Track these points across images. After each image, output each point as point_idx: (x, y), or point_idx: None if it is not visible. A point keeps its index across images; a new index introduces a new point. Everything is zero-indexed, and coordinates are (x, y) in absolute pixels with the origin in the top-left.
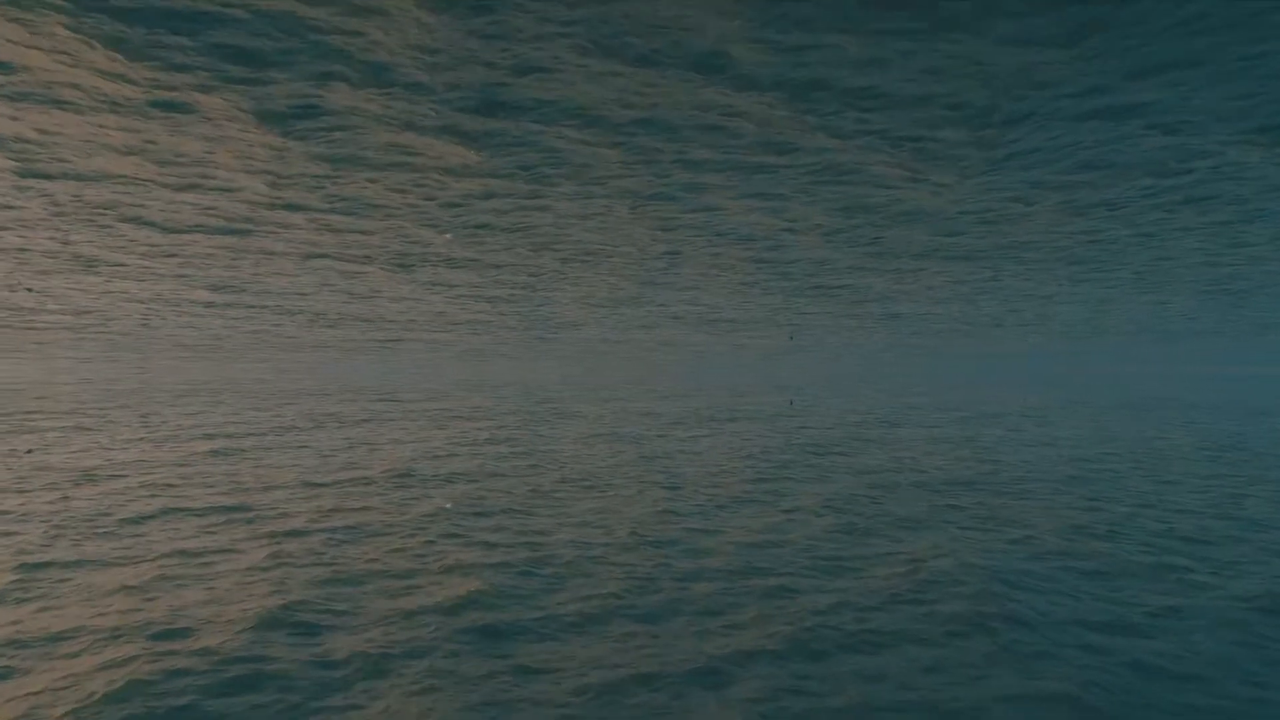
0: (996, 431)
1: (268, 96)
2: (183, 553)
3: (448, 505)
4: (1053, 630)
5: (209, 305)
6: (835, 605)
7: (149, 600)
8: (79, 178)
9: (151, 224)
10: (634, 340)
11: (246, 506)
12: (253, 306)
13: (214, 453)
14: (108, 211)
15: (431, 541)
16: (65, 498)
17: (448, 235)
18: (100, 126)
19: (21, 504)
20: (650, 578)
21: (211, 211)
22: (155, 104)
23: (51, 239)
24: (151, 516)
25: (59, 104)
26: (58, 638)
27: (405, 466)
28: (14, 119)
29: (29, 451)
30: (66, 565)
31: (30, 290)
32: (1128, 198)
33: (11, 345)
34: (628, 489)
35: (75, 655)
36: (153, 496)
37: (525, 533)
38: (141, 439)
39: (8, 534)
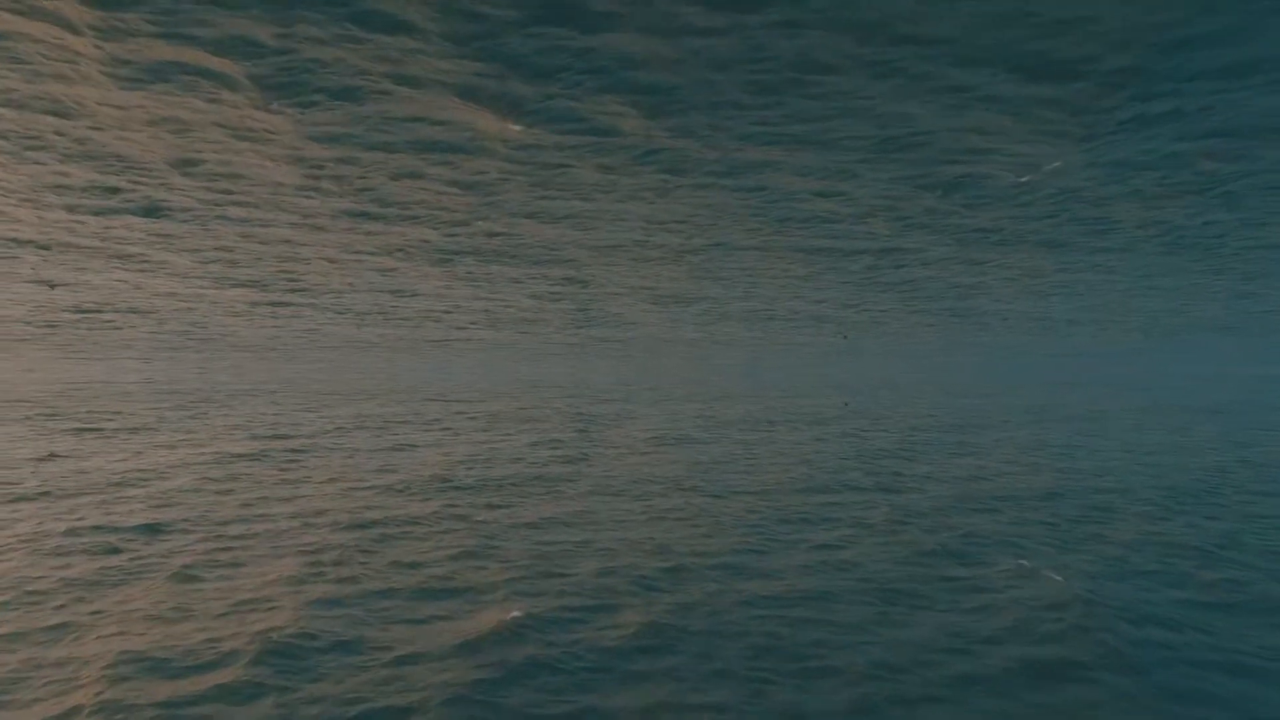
0: (1074, 436)
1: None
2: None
3: (481, 518)
4: (1186, 674)
5: (280, 305)
6: (914, 645)
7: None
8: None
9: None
10: (687, 339)
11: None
12: (317, 307)
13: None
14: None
15: (445, 533)
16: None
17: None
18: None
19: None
20: (696, 605)
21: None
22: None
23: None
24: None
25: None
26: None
27: (445, 472)
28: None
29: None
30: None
31: (52, 287)
32: (1247, 174)
33: (82, 347)
34: (673, 499)
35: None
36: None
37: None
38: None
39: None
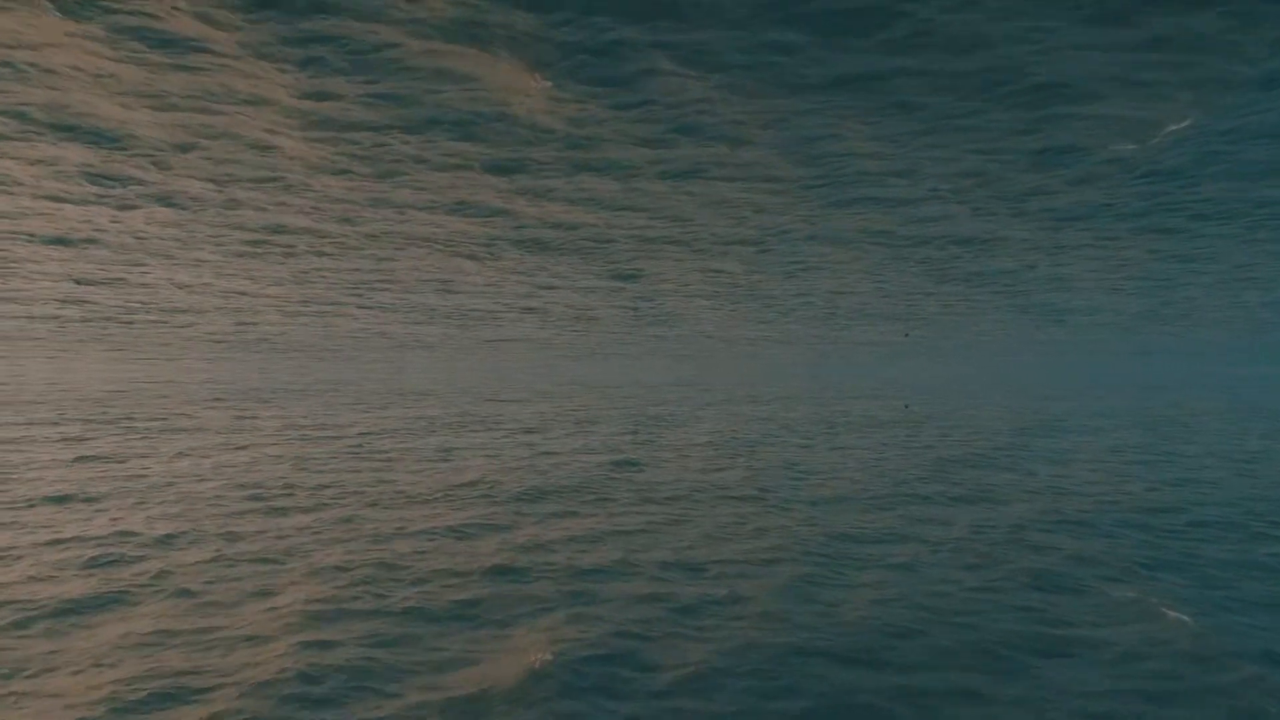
0: (1158, 441)
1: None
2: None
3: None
4: None
5: (353, 306)
6: (1014, 705)
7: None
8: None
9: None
10: (744, 338)
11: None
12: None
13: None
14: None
15: (480, 550)
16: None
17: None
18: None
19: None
20: (748, 645)
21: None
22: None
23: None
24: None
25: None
26: None
27: (487, 478)
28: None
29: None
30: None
31: (77, 283)
32: None
33: (147, 348)
34: (726, 511)
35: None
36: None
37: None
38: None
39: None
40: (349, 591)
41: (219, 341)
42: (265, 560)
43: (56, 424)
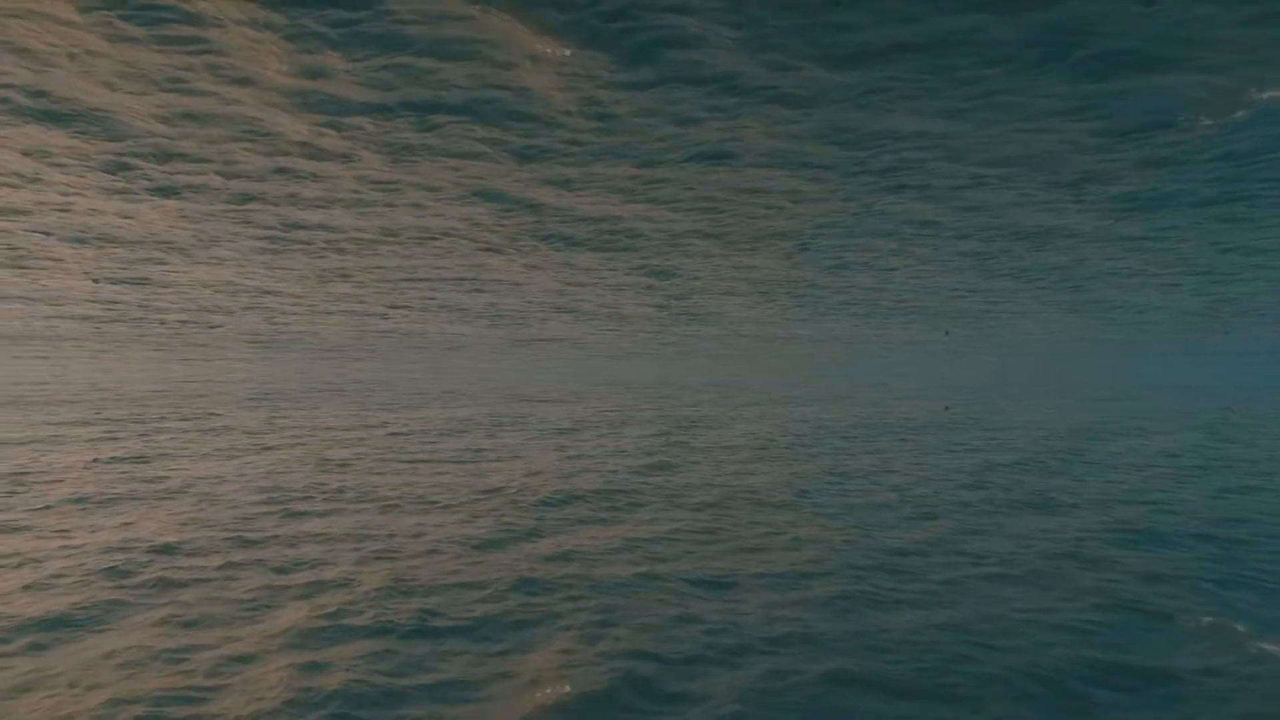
0: (1219, 445)
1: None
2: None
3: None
4: None
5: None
6: None
7: None
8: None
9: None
10: (784, 336)
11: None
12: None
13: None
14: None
15: (500, 563)
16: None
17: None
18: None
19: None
20: (788, 674)
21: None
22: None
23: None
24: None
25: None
26: None
27: (516, 483)
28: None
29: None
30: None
31: (95, 282)
32: None
33: (189, 349)
34: (762, 521)
35: None
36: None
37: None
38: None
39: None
40: (352, 607)
41: (257, 343)
42: (271, 570)
43: (89, 423)
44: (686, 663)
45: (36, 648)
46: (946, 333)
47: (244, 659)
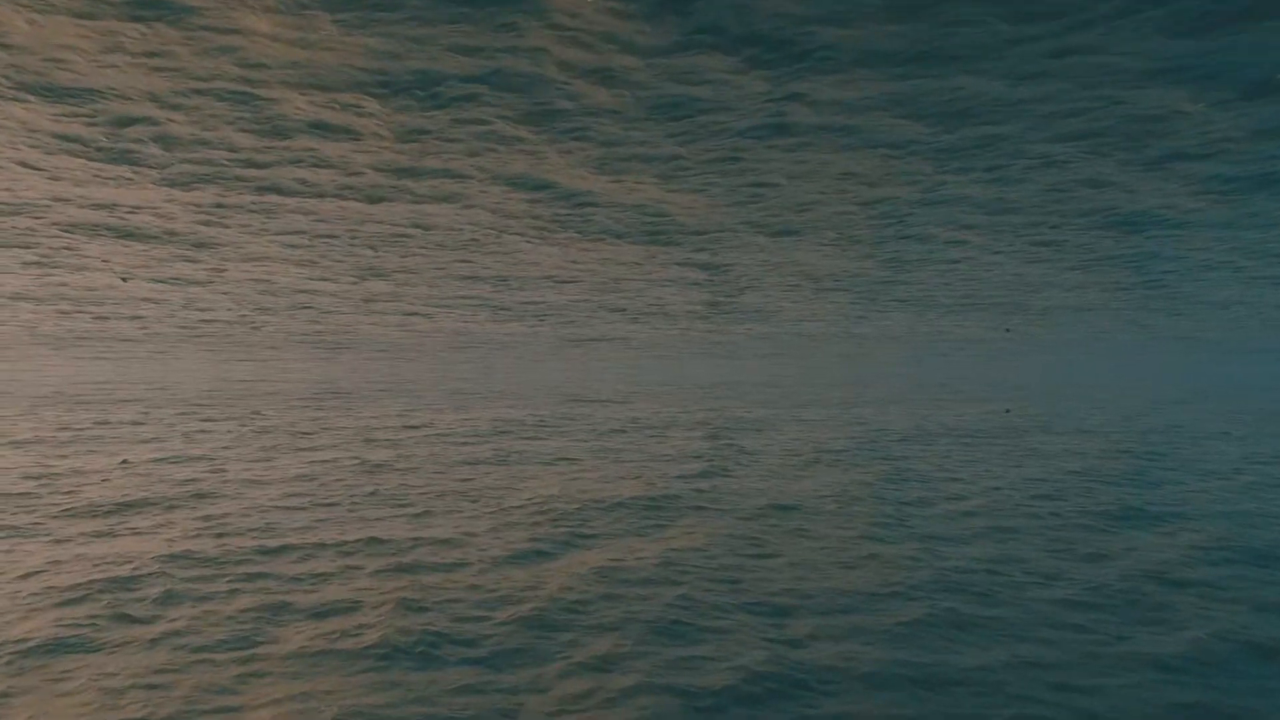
0: None
1: None
2: None
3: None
4: None
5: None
6: None
7: None
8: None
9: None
10: (843, 335)
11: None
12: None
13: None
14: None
15: (530, 578)
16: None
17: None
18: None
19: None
20: None
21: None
22: None
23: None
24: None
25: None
26: None
27: (542, 489)
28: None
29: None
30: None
31: (124, 279)
32: None
33: (238, 350)
34: (820, 536)
35: None
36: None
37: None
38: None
39: None
40: (356, 629)
41: (310, 342)
42: (277, 580)
43: (138, 423)
44: (721, 700)
45: (29, 664)
46: (1007, 330)
47: (231, 689)
